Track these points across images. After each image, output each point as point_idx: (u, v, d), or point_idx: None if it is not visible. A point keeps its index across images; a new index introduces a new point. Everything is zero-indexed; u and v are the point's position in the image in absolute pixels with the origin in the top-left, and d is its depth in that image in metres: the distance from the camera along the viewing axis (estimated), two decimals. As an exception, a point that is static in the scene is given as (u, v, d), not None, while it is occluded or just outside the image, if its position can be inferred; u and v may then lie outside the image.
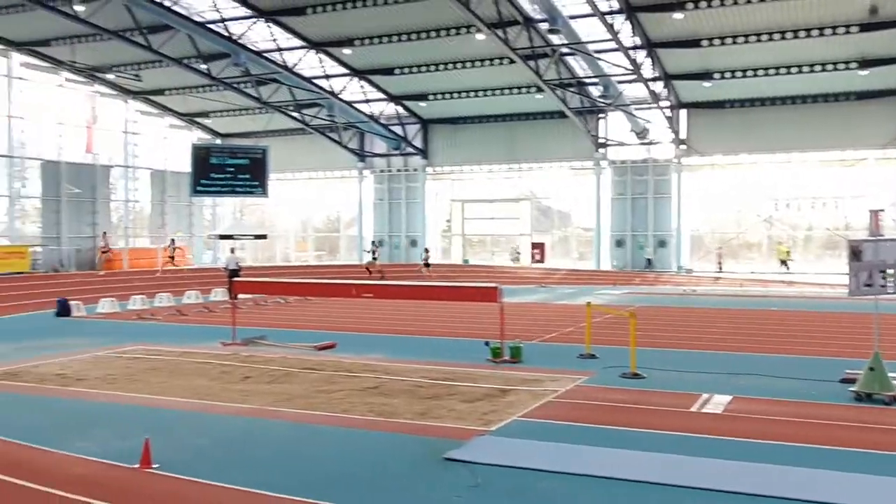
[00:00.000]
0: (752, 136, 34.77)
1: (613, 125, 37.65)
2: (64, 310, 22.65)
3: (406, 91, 37.70)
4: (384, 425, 9.31)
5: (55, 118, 34.69)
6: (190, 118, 42.16)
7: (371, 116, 38.29)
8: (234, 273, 25.39)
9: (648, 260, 36.89)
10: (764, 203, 36.17)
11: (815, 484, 7.00)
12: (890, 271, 11.04)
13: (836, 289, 27.56)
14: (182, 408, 10.37)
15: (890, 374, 10.69)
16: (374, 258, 36.74)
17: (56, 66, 34.23)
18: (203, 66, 32.21)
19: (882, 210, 13.38)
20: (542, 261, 39.54)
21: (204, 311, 23.81)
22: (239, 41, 30.13)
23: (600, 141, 37.66)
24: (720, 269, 36.11)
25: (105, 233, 35.59)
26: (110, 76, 35.09)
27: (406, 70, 34.29)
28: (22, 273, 29.93)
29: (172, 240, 37.60)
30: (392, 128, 40.01)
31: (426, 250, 37.82)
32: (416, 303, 23.51)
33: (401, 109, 39.65)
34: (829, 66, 30.49)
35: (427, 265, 36.00)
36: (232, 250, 31.40)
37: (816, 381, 11.80)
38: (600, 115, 37.25)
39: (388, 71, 34.79)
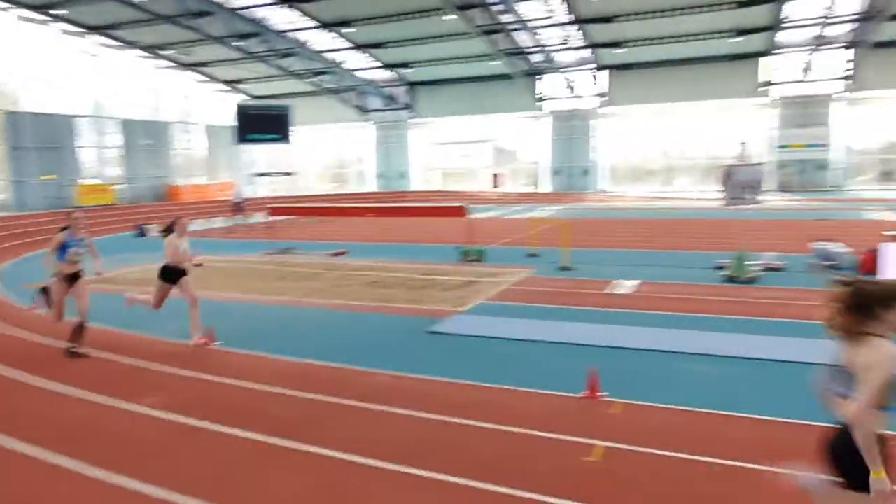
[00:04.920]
0: None
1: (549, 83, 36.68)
2: (141, 233, 22.34)
3: (395, 60, 36.47)
4: (387, 309, 9.37)
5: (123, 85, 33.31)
6: (232, 84, 40.73)
7: (370, 81, 37.16)
8: (238, 205, 24.79)
9: None
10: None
11: (698, 341, 7.21)
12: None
13: (711, 202, 27.57)
14: (239, 300, 10.39)
15: (747, 263, 10.89)
16: None
17: (127, 46, 32.68)
18: (240, 43, 30.76)
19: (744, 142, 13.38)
20: (501, 186, 39.10)
21: (248, 231, 23.53)
22: (265, 24, 28.78)
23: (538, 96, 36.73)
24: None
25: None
26: (170, 52, 33.55)
27: (394, 44, 33.04)
28: (110, 204, 29.31)
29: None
30: (386, 88, 38.91)
31: None
32: (404, 219, 23.23)
33: (393, 74, 38.46)
34: None
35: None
36: (236, 186, 29.88)
37: (699, 269, 12.00)
38: (537, 77, 36.16)
39: (380, 45, 33.58)
